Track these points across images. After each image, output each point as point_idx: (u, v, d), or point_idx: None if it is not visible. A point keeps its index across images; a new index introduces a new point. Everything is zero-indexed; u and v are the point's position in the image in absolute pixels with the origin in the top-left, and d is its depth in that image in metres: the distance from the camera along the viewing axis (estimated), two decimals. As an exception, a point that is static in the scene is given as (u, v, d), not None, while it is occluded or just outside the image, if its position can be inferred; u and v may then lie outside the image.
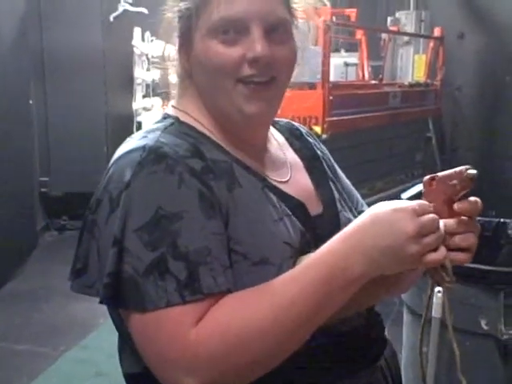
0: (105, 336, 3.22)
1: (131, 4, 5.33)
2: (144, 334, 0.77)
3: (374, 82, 5.03)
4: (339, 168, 1.11)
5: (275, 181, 0.93)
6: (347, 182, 1.10)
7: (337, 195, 1.01)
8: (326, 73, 3.68)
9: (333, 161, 1.10)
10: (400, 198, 0.81)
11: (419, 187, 0.85)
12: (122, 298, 0.77)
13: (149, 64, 5.37)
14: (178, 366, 0.75)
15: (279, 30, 0.87)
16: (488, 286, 1.79)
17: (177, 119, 0.91)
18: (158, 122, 0.92)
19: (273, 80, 0.88)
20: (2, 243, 4.07)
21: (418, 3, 5.79)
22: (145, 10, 5.09)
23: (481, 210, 0.81)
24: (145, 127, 0.93)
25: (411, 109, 4.82)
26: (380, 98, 4.46)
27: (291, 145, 1.05)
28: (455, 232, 0.78)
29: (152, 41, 5.16)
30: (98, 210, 0.82)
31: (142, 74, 5.38)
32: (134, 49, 5.27)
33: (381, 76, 5.20)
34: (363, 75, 5.16)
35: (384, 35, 5.43)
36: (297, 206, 0.92)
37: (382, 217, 0.77)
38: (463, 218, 0.79)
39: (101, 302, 0.79)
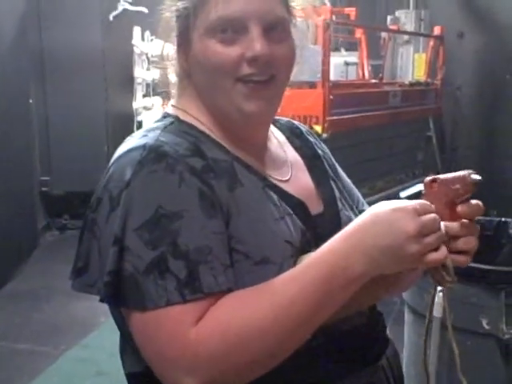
0: (106, 335, 3.22)
1: (131, 3, 5.33)
2: (144, 332, 0.77)
3: (374, 81, 5.03)
4: (340, 167, 1.11)
5: (276, 180, 0.93)
6: (348, 180, 1.10)
7: (337, 194, 1.01)
8: (326, 72, 3.67)
9: (333, 160, 1.10)
10: (399, 197, 0.80)
11: (418, 187, 0.85)
12: (122, 297, 0.77)
13: (149, 63, 5.37)
14: (177, 365, 0.75)
15: (278, 28, 0.87)
16: (489, 285, 1.79)
17: (177, 118, 0.91)
18: (158, 121, 0.92)
19: (272, 79, 0.88)
20: (2, 242, 4.07)
21: (418, 2, 5.79)
22: (144, 10, 5.09)
23: (482, 213, 0.81)
24: (145, 126, 0.93)
25: (411, 108, 4.81)
26: (380, 97, 4.45)
27: (292, 143, 1.05)
28: (458, 235, 0.78)
29: (152, 40, 5.17)
30: (98, 209, 0.82)
31: (142, 74, 5.38)
32: (134, 48, 5.28)
33: (381, 75, 5.20)
34: (363, 74, 5.16)
35: (384, 34, 5.42)
36: (297, 205, 0.91)
37: (383, 216, 0.77)
38: (464, 220, 0.79)
39: (101, 301, 0.79)
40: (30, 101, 4.95)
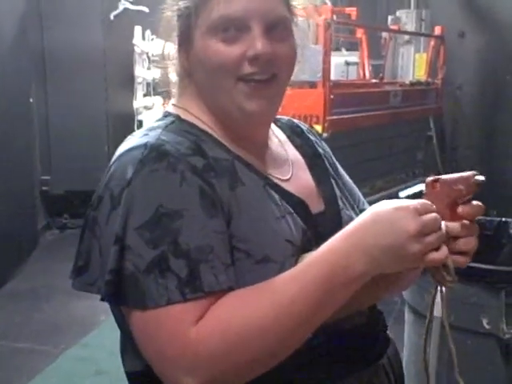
0: (105, 334, 3.22)
1: (131, 2, 5.33)
2: (144, 331, 0.77)
3: (374, 80, 5.02)
4: (340, 166, 1.11)
5: (277, 178, 0.93)
6: (349, 179, 1.10)
7: (338, 193, 1.01)
8: (326, 71, 3.67)
9: (334, 158, 1.10)
10: (398, 197, 0.80)
11: (418, 187, 0.85)
12: (123, 296, 0.77)
13: (149, 63, 5.37)
14: (178, 365, 0.75)
15: (279, 27, 0.87)
16: (489, 285, 1.79)
17: (177, 117, 0.91)
18: (159, 120, 0.92)
19: (274, 77, 0.88)
20: (2, 242, 4.07)
21: (419, 2, 5.78)
22: (145, 9, 5.09)
23: (483, 213, 0.81)
24: (146, 125, 0.93)
25: (412, 108, 4.81)
26: (381, 96, 4.45)
27: (292, 142, 1.05)
28: (458, 235, 0.78)
29: (152, 39, 5.17)
30: (99, 208, 0.82)
31: (143, 73, 5.38)
32: (135, 47, 5.27)
33: (381, 75, 5.19)
34: (364, 74, 5.15)
35: (385, 34, 5.42)
36: (298, 204, 0.92)
37: (384, 215, 0.77)
38: (465, 221, 0.79)
39: (102, 300, 0.79)
40: (31, 100, 4.95)
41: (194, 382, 0.74)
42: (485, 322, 1.78)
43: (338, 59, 4.66)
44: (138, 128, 0.93)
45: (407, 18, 5.39)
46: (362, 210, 0.95)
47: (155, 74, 5.21)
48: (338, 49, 5.02)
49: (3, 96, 4.23)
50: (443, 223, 0.77)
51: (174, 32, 0.91)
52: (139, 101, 5.45)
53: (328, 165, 1.05)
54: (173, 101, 0.96)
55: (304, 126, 1.11)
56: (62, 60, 5.17)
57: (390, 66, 5.34)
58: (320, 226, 0.92)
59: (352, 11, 5.19)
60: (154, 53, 5.12)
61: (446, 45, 5.19)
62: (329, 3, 4.10)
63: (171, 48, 0.93)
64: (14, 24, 4.60)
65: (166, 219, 0.77)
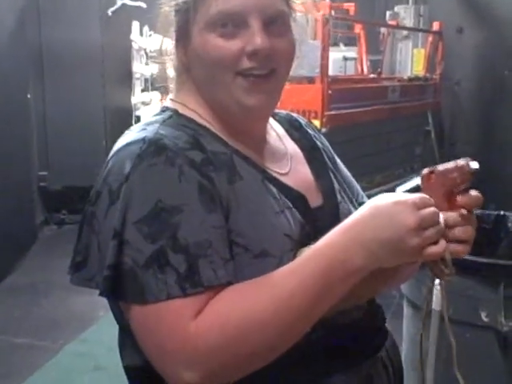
0: (104, 329, 3.22)
1: (129, -2, 5.32)
2: (144, 326, 0.77)
3: (372, 76, 5.03)
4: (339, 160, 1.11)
5: (275, 172, 0.93)
6: (347, 173, 1.10)
7: (337, 186, 1.01)
8: (324, 67, 3.67)
9: (333, 152, 1.10)
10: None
11: (415, 181, 0.85)
12: (121, 291, 0.77)
13: (147, 58, 5.36)
14: (177, 359, 0.75)
15: (277, 22, 0.87)
16: (488, 278, 1.80)
17: (175, 112, 0.91)
18: (157, 114, 0.92)
19: (272, 72, 0.88)
20: (1, 238, 4.07)
21: (417, -3, 5.78)
22: (143, 4, 5.07)
23: (481, 204, 0.81)
24: (144, 120, 0.93)
25: (410, 103, 4.81)
26: (379, 92, 4.45)
27: (291, 136, 1.05)
28: (456, 225, 0.78)
29: (150, 35, 5.15)
30: (97, 203, 0.82)
31: (141, 69, 5.37)
32: (133, 43, 5.26)
33: (380, 70, 5.19)
34: (362, 69, 5.15)
35: (383, 29, 5.42)
36: (297, 198, 0.91)
37: (383, 209, 0.77)
38: (463, 211, 0.79)
39: (101, 295, 0.78)
40: (28, 96, 4.94)
41: (194, 376, 0.74)
42: (483, 315, 1.79)
43: (336, 54, 4.66)
44: (136, 123, 0.93)
45: (405, 14, 5.39)
46: (360, 204, 0.95)
47: (153, 69, 5.20)
48: (336, 44, 5.03)
49: (1, 92, 4.22)
50: (441, 216, 0.77)
51: (172, 27, 0.90)
52: (137, 96, 5.44)
53: (327, 158, 1.05)
54: (170, 96, 0.96)
55: (302, 120, 1.11)
56: (59, 56, 5.15)
57: (388, 62, 5.34)
58: (318, 220, 0.92)
59: (350, 6, 5.19)
60: (151, 48, 5.11)
61: (444, 40, 5.20)
62: (327, -2, 4.08)
63: (169, 43, 0.93)
64: (12, 20, 4.59)
65: (164, 214, 0.77)
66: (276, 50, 0.86)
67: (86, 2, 5.19)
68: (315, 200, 0.95)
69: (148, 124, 0.87)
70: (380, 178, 4.42)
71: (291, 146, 1.02)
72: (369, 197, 0.89)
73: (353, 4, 5.18)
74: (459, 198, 0.79)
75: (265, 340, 0.75)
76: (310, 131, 1.09)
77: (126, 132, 0.89)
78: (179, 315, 0.75)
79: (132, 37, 5.22)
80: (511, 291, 1.77)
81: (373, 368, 0.93)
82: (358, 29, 5.16)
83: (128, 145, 0.83)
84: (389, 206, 0.76)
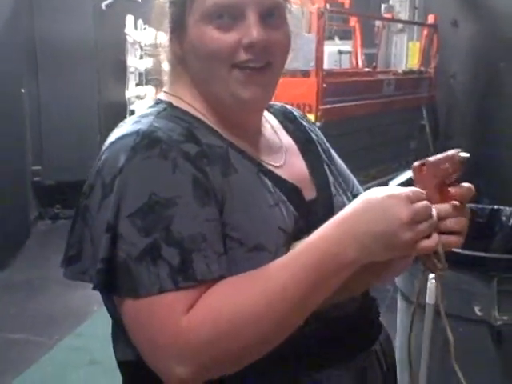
0: (99, 323, 3.22)
1: (123, -9, 5.29)
2: (136, 320, 0.77)
3: (367, 69, 5.02)
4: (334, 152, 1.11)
5: (270, 165, 0.93)
6: (342, 165, 1.09)
7: (331, 178, 1.01)
8: (319, 60, 3.66)
9: (328, 144, 1.10)
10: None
11: (408, 175, 0.85)
12: (115, 284, 0.77)
13: (142, 52, 5.33)
14: (169, 354, 0.74)
15: (274, 14, 0.87)
16: (482, 272, 1.80)
17: (170, 104, 0.91)
18: (151, 107, 0.92)
19: (268, 65, 0.87)
20: (-5, 233, 4.06)
21: (412, -10, 5.77)
22: (137, -2, 5.04)
23: (473, 196, 0.81)
24: (138, 113, 0.93)
25: (405, 96, 4.81)
26: (374, 85, 4.45)
27: (285, 128, 1.04)
28: (448, 217, 0.78)
29: (145, 29, 5.13)
30: (90, 196, 0.82)
31: (135, 63, 5.35)
32: (127, 37, 5.24)
33: (375, 64, 5.19)
34: (357, 63, 5.15)
35: (378, 22, 5.41)
36: (291, 191, 0.91)
37: (376, 203, 0.76)
38: (455, 202, 0.79)
39: (94, 288, 0.78)
40: (22, 90, 4.92)
41: (186, 371, 0.74)
42: (477, 309, 1.79)
43: (331, 48, 4.65)
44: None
45: (401, 7, 5.38)
46: (355, 196, 0.95)
47: (147, 63, 5.17)
48: (330, 37, 5.01)
49: (-6, 86, 4.20)
50: (434, 210, 0.77)
51: (166, 19, 0.90)
52: (131, 90, 5.42)
53: (321, 151, 1.05)
54: (165, 88, 0.96)
55: (297, 112, 1.11)
56: (53, 50, 5.13)
57: (383, 55, 5.33)
58: (312, 212, 0.92)
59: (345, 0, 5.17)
60: (146, 42, 5.08)
61: (439, 33, 5.19)
62: (322, -9, 4.07)
63: (163, 36, 0.92)
64: (4, 13, 4.56)
65: (158, 207, 0.77)
66: (272, 43, 0.86)
67: (79, -4, 5.16)
68: (309, 193, 0.95)
69: (142, 116, 0.87)
70: (375, 172, 4.42)
71: (286, 139, 1.02)
72: (364, 190, 0.89)
73: (348, -4, 5.17)
74: (451, 190, 0.79)
75: (258, 333, 0.75)
76: (304, 123, 1.08)
77: (120, 124, 0.89)
78: (171, 309, 0.75)
79: (126, 30, 5.19)
80: (505, 285, 1.78)
81: (367, 361, 0.93)
82: (353, 22, 5.15)
83: (122, 138, 0.83)
84: (382, 199, 0.76)
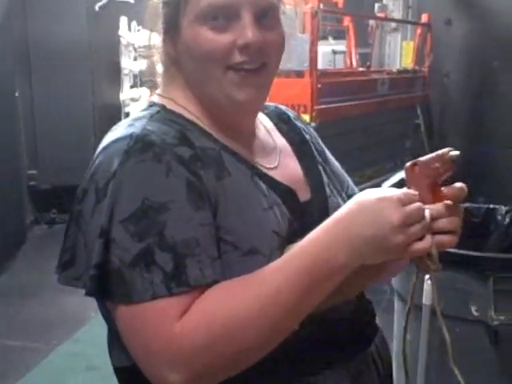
0: (96, 329, 3.20)
1: (117, -7, 5.27)
2: (130, 326, 0.77)
3: (361, 69, 5.02)
4: (328, 152, 1.10)
5: (264, 167, 0.92)
6: (337, 165, 1.09)
7: (326, 180, 1.00)
8: (313, 60, 3.66)
9: (322, 144, 1.09)
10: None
11: (400, 175, 0.84)
12: (108, 290, 0.76)
13: (136, 54, 5.32)
14: (162, 360, 0.74)
15: (268, 15, 0.86)
16: (478, 272, 1.80)
17: (163, 107, 0.90)
18: (144, 110, 0.91)
19: (263, 66, 0.87)
20: (-10, 238, 4.04)
21: (406, -11, 5.77)
22: (131, 0, 5.03)
23: (466, 196, 0.80)
24: (131, 116, 0.92)
25: (399, 96, 4.82)
26: (368, 85, 4.45)
27: (279, 129, 1.04)
28: (441, 217, 0.78)
29: (139, 30, 5.11)
30: (84, 200, 0.81)
31: (129, 64, 5.33)
32: (121, 39, 5.22)
33: (369, 63, 5.19)
34: (351, 63, 5.15)
35: (371, 22, 5.41)
36: (286, 193, 0.91)
37: (367, 205, 0.76)
38: (448, 202, 0.78)
39: (87, 294, 0.78)
40: (16, 94, 4.90)
41: (180, 378, 0.73)
42: (473, 309, 1.79)
43: (325, 48, 4.65)
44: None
45: (394, 6, 5.39)
46: (349, 196, 0.95)
47: (142, 65, 5.16)
48: (324, 37, 5.01)
49: (-13, 90, 4.18)
50: (427, 211, 0.77)
51: (160, 20, 0.89)
52: (126, 93, 5.40)
53: (315, 151, 1.05)
54: (158, 91, 0.95)
55: (291, 113, 1.10)
56: (46, 52, 5.11)
57: (377, 55, 5.34)
58: (307, 214, 0.92)
59: (339, -1, 5.17)
60: (140, 44, 5.07)
61: (433, 32, 5.19)
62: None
63: (157, 38, 0.92)
64: (-3, 15, 4.54)
65: (151, 212, 0.76)
66: (267, 44, 0.86)
67: (72, -3, 5.15)
68: (304, 194, 0.95)
69: (136, 119, 0.86)
70: (371, 172, 4.43)
71: (279, 140, 1.02)
72: (360, 191, 0.89)
73: (341, -4, 5.17)
74: (444, 189, 0.79)
75: (252, 338, 0.75)
76: (298, 124, 1.08)
77: (114, 127, 0.88)
78: (164, 315, 0.74)
79: (120, 32, 5.18)
80: (501, 285, 1.78)
81: (362, 363, 0.93)
82: (346, 21, 5.15)
83: (115, 141, 0.82)
84: (373, 202, 0.76)
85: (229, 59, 0.85)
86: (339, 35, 5.42)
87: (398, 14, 5.36)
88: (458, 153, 0.78)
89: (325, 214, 0.88)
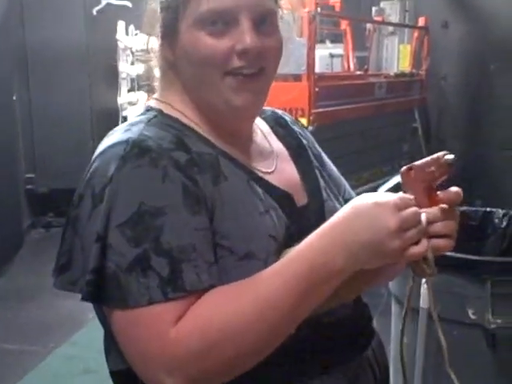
0: (94, 332, 3.17)
1: (114, -3, 5.28)
2: (125, 331, 0.77)
3: (359, 72, 5.03)
4: (325, 155, 1.11)
5: (261, 172, 0.92)
6: (334, 169, 1.09)
7: (322, 184, 1.00)
8: (311, 64, 3.66)
9: (319, 148, 1.10)
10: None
11: (397, 179, 0.84)
12: (104, 295, 0.76)
13: (133, 58, 5.32)
14: (158, 365, 0.74)
15: (267, 21, 0.87)
16: (475, 275, 1.80)
17: (160, 112, 0.90)
18: (141, 114, 0.91)
19: (261, 71, 0.87)
20: (-13, 241, 4.03)
21: (403, -7, 5.79)
22: (128, 3, 5.03)
23: (461, 200, 0.80)
24: (128, 121, 0.92)
25: (397, 99, 4.82)
26: (366, 88, 4.46)
27: (276, 133, 1.04)
28: (437, 220, 0.78)
29: (136, 34, 5.12)
30: (80, 205, 0.81)
31: (127, 68, 5.33)
32: (118, 43, 5.22)
33: (366, 67, 5.20)
34: (348, 66, 5.16)
35: (369, 25, 5.43)
36: (282, 197, 0.91)
37: (363, 210, 0.76)
38: (444, 206, 0.78)
39: (83, 299, 0.78)
40: (14, 98, 4.89)
41: (175, 382, 0.73)
42: (470, 312, 1.79)
43: (322, 51, 4.66)
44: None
45: (391, 9, 5.41)
46: (346, 200, 0.95)
47: (139, 69, 5.15)
48: (322, 41, 5.03)
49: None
50: (423, 215, 0.77)
51: (158, 24, 0.89)
52: (123, 96, 5.40)
53: (312, 155, 1.05)
54: (155, 95, 0.95)
55: (288, 117, 1.10)
56: (44, 56, 5.11)
57: (375, 58, 5.35)
58: (304, 218, 0.92)
59: (336, 3, 5.18)
60: (137, 48, 5.07)
61: (430, 35, 5.21)
62: (313, -5, 4.08)
63: (155, 42, 0.92)
64: (-6, 21, 4.54)
65: (148, 217, 0.76)
66: (265, 49, 0.86)
67: (70, 2, 5.15)
68: (301, 198, 0.95)
69: (132, 124, 0.86)
70: (368, 176, 4.43)
71: (276, 144, 1.02)
72: (357, 195, 0.89)
73: (338, 0, 5.18)
74: (440, 194, 0.79)
75: (250, 342, 0.75)
76: (295, 128, 1.08)
77: (111, 132, 0.88)
78: (160, 320, 0.74)
79: (117, 36, 5.18)
80: (498, 288, 1.78)
81: (359, 367, 0.93)
82: (344, 25, 5.16)
83: (112, 146, 0.82)
84: (369, 207, 0.76)
85: (227, 64, 0.85)
86: (336, 39, 5.43)
87: (395, 18, 5.38)
88: (453, 156, 0.78)
89: (321, 218, 0.88)
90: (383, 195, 0.77)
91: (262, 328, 0.75)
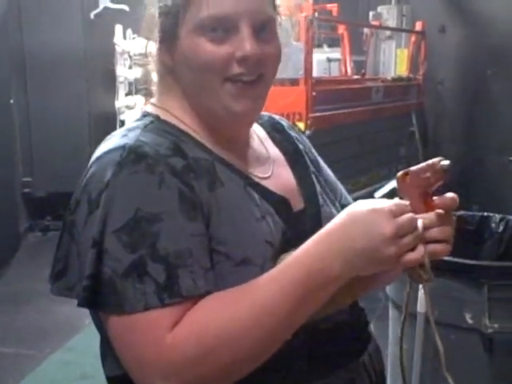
0: (90, 338, 3.16)
1: (112, 1, 5.28)
2: (121, 336, 0.77)
3: (356, 77, 5.04)
4: (322, 160, 1.11)
5: (257, 177, 0.92)
6: (330, 174, 1.09)
7: (319, 189, 1.00)
8: (308, 68, 3.67)
9: (315, 153, 1.10)
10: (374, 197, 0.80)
11: (393, 184, 0.84)
12: (100, 301, 0.76)
13: (131, 62, 5.32)
14: (154, 371, 0.74)
15: (266, 28, 0.87)
16: (472, 279, 1.80)
17: (157, 117, 0.90)
18: (138, 120, 0.91)
19: (260, 77, 0.87)
20: (-16, 245, 4.02)
21: (400, -3, 5.81)
22: (126, 8, 5.04)
23: (457, 205, 0.80)
24: (125, 126, 0.92)
25: (394, 103, 4.83)
26: (363, 93, 4.46)
27: (272, 139, 1.04)
28: (433, 226, 0.78)
29: (134, 38, 5.12)
30: (76, 211, 0.81)
31: (125, 72, 5.33)
32: (116, 47, 5.22)
33: (363, 71, 5.21)
34: (346, 70, 5.16)
35: (366, 30, 5.44)
36: (279, 202, 0.91)
37: (359, 217, 0.76)
38: (440, 211, 0.78)
39: (79, 305, 0.77)
40: (11, 101, 4.89)
41: None
42: (468, 316, 1.79)
43: (319, 56, 4.67)
44: (121, 128, 0.92)
45: (388, 14, 5.41)
46: (343, 205, 0.95)
47: (137, 73, 5.15)
48: (319, 45, 5.03)
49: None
50: (419, 221, 0.77)
51: (157, 29, 0.89)
52: (121, 100, 5.40)
53: (308, 160, 1.05)
54: (153, 100, 0.95)
55: (285, 122, 1.11)
56: (42, 60, 5.12)
57: (372, 62, 5.36)
58: (300, 224, 0.92)
59: (333, 7, 5.19)
60: (135, 52, 5.07)
61: (427, 40, 5.22)
62: (310, 0, 4.09)
63: (153, 46, 0.92)
64: (-8, 24, 4.55)
65: (144, 223, 0.76)
66: (265, 56, 0.86)
67: (68, 6, 5.15)
68: (297, 203, 0.95)
69: (129, 130, 0.86)
70: (365, 180, 4.43)
71: (273, 150, 1.02)
72: (354, 199, 0.89)
73: (336, 4, 5.19)
74: (435, 199, 0.79)
75: (247, 348, 0.75)
76: (292, 133, 1.08)
77: (107, 138, 0.89)
78: (156, 326, 0.74)
79: (115, 40, 5.18)
80: (495, 293, 1.78)
81: (355, 372, 0.92)
82: (341, 29, 5.17)
83: (108, 152, 0.82)
84: (365, 213, 0.76)
85: (227, 71, 0.85)
86: (334, 43, 5.44)
87: (392, 22, 5.38)
88: (448, 162, 0.78)
89: (318, 223, 0.88)
90: (379, 201, 0.77)
91: (258, 334, 0.75)
